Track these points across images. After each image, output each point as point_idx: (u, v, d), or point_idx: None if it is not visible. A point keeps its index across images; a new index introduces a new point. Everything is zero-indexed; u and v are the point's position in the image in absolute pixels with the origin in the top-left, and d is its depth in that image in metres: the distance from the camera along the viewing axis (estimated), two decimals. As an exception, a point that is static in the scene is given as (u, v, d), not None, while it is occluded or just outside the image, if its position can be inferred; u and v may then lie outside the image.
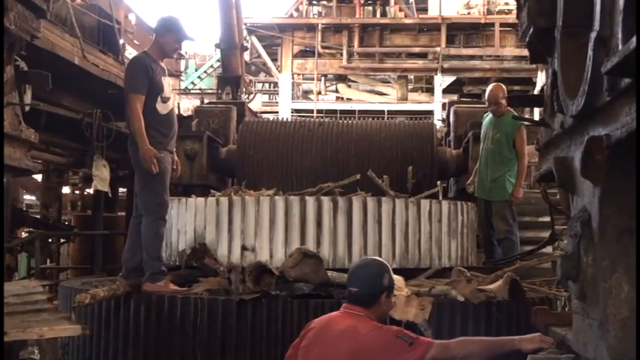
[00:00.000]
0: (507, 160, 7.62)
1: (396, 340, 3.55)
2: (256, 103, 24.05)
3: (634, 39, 1.89)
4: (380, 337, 3.58)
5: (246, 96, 13.25)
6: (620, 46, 2.13)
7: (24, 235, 12.36)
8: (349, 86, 26.96)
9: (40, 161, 11.39)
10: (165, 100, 6.00)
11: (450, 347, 3.63)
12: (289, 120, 10.09)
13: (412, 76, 26.69)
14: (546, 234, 7.22)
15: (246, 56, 20.38)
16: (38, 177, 14.42)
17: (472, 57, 24.02)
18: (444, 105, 19.81)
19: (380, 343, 3.55)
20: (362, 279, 3.83)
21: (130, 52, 15.15)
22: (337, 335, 3.63)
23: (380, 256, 6.34)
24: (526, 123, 7.66)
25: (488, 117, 7.88)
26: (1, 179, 4.69)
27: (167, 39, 6.09)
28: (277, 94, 27.63)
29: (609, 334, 2.55)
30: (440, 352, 3.56)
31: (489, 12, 24.44)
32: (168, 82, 6.17)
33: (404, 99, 25.35)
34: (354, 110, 24.28)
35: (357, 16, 24.78)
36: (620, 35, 2.15)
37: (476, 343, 3.78)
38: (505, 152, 7.60)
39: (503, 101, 7.55)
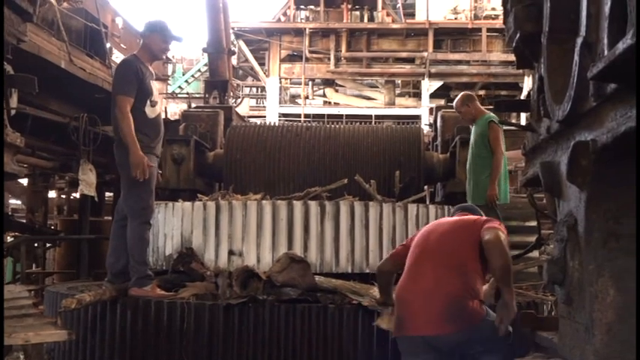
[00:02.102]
0: (487, 159, 7.61)
1: (482, 222, 4.52)
2: (244, 108, 24.05)
3: (620, 44, 1.90)
4: (475, 218, 4.65)
5: (234, 100, 13.24)
6: (605, 52, 2.14)
7: (9, 239, 12.28)
8: (337, 91, 26.99)
9: (25, 165, 11.32)
10: (153, 104, 5.99)
11: (495, 247, 4.29)
12: (277, 124, 10.08)
13: (399, 81, 26.76)
14: (533, 238, 7.19)
15: (234, 60, 20.37)
16: (24, 181, 14.34)
17: (459, 62, 24.13)
18: (431, 110, 19.83)
19: (472, 221, 4.59)
20: (469, 209, 5.05)
21: (117, 56, 15.08)
22: (450, 220, 4.78)
23: (367, 260, 6.36)
24: (506, 127, 7.67)
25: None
26: (2, 180, 4.65)
27: (153, 39, 6.08)
28: (265, 98, 27.64)
29: (595, 339, 2.55)
30: (495, 238, 4.29)
31: (476, 17, 24.58)
32: (155, 86, 6.16)
33: (391, 104, 25.40)
34: (342, 115, 24.32)
35: (344, 20, 24.83)
36: (605, 41, 2.16)
37: (499, 266, 4.31)
38: (482, 152, 7.58)
39: (468, 107, 7.74)
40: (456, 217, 4.80)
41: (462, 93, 8.17)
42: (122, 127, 5.75)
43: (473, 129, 7.79)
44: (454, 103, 8.04)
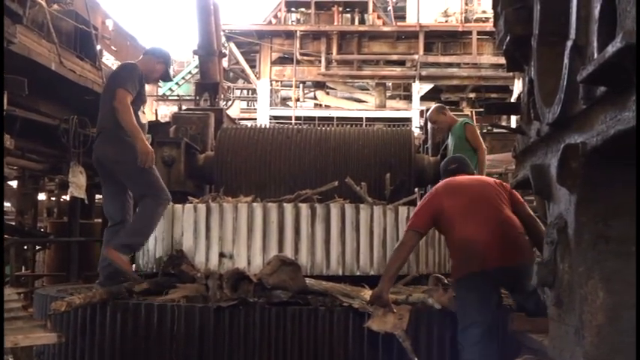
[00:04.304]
0: (471, 159, 7.68)
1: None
2: (234, 110, 24.03)
3: (610, 47, 1.91)
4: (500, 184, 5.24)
5: (225, 102, 13.21)
6: (595, 55, 2.15)
7: (-1, 242, 12.21)
8: (327, 93, 27.01)
9: (15, 167, 11.29)
10: (144, 111, 6.18)
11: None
12: (267, 127, 10.06)
13: (390, 84, 26.82)
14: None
15: (225, 63, 20.34)
16: (13, 183, 14.27)
17: (450, 65, 24.19)
18: (421, 112, 19.86)
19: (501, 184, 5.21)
20: (459, 159, 5.78)
21: (107, 58, 15.04)
22: (474, 177, 5.45)
23: (358, 263, 6.36)
24: (497, 129, 7.77)
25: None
26: (2, 181, 4.65)
27: (159, 67, 6.39)
28: (255, 100, 27.61)
29: (585, 341, 2.56)
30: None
31: (467, 20, 24.63)
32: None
33: (382, 106, 25.45)
34: (333, 117, 24.35)
35: (335, 23, 24.84)
36: (595, 44, 2.17)
37: None
38: (465, 154, 7.67)
39: (443, 116, 8.23)
40: (474, 177, 5.45)
41: (434, 105, 8.45)
42: (125, 118, 5.86)
43: (450, 137, 7.94)
44: (428, 116, 8.52)
